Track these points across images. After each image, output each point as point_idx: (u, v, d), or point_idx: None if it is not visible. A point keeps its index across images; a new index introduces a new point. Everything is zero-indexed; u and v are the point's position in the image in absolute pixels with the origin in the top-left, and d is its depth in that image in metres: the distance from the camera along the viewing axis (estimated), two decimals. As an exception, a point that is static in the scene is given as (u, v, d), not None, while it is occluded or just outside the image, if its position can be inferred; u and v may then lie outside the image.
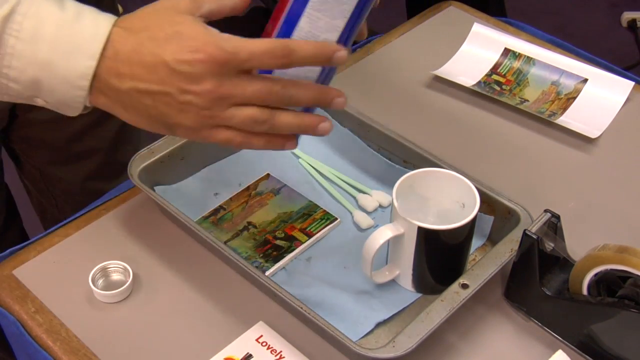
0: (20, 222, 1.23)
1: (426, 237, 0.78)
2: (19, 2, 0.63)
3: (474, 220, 0.79)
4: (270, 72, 0.67)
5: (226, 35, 0.64)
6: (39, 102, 0.67)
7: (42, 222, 1.29)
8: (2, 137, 1.10)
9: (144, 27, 0.66)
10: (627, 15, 2.75)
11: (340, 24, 0.67)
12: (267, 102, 0.65)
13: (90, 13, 0.66)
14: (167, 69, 0.63)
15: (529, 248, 0.77)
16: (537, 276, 0.77)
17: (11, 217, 1.19)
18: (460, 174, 0.83)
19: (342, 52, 0.66)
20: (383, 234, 0.78)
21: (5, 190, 1.16)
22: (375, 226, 0.90)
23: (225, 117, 0.65)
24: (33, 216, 1.31)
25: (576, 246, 0.83)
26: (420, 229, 0.77)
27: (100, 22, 0.65)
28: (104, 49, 0.64)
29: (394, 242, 0.81)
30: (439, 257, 0.81)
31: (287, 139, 0.69)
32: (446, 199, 0.84)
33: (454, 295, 0.76)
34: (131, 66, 0.64)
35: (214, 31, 0.65)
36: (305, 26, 0.67)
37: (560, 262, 0.80)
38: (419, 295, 0.83)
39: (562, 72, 1.11)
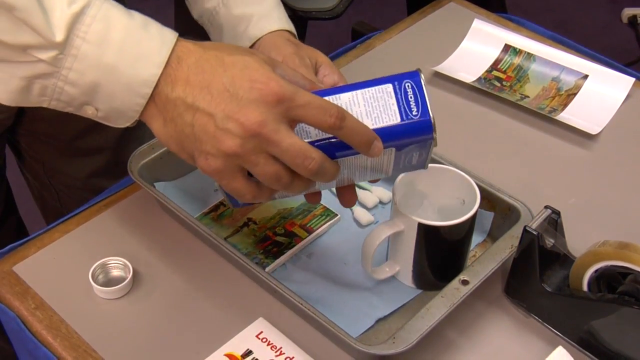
0: (17, 215, 1.24)
1: (426, 234, 0.78)
2: (89, 4, 0.63)
3: (474, 217, 0.79)
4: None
5: (292, 77, 0.65)
6: (89, 110, 0.66)
7: (43, 214, 1.30)
8: (7, 131, 1.10)
9: (214, 47, 0.66)
10: (628, 12, 2.75)
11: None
12: (296, 164, 0.63)
13: (156, 24, 0.66)
14: (221, 89, 0.62)
15: (529, 244, 0.77)
16: (538, 272, 0.77)
17: (9, 210, 1.19)
18: (461, 170, 0.83)
19: (379, 145, 0.65)
20: (383, 231, 0.78)
21: (7, 185, 1.16)
22: (375, 222, 0.90)
23: (252, 161, 0.63)
24: (33, 209, 1.31)
25: (576, 242, 0.83)
26: (420, 225, 0.77)
27: (165, 33, 0.65)
28: (170, 55, 0.64)
29: (394, 239, 0.81)
30: (439, 253, 0.81)
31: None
32: (446, 196, 0.84)
33: (454, 292, 0.76)
34: (188, 76, 0.64)
35: (284, 72, 0.65)
36: None
37: (561, 259, 0.80)
38: (419, 291, 0.83)
39: (563, 69, 1.11)
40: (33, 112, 1.07)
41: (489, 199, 0.87)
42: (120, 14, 0.65)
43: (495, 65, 1.13)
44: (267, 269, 0.83)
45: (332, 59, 1.14)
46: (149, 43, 0.64)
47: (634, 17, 2.73)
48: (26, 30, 0.61)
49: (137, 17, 0.66)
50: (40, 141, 1.14)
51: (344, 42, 1.29)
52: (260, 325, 0.79)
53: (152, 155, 0.90)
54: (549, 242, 0.79)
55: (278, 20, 0.88)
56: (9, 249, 0.87)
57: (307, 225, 0.88)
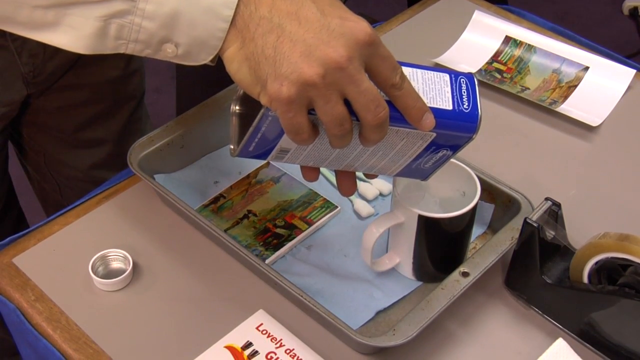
0: (18, 207, 1.24)
1: (426, 226, 0.78)
2: None
3: (474, 209, 0.78)
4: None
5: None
6: (169, 49, 0.64)
7: (44, 207, 1.30)
8: (10, 123, 1.10)
9: None
10: (629, 3, 2.75)
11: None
12: (367, 109, 0.62)
13: None
14: (311, 18, 0.60)
15: (530, 236, 0.77)
16: (538, 264, 0.77)
17: (10, 203, 1.19)
18: (461, 162, 0.83)
19: (431, 118, 0.64)
20: (383, 222, 0.78)
21: (8, 178, 1.16)
22: (376, 214, 0.90)
23: (326, 96, 0.61)
24: (33, 201, 1.31)
25: (577, 234, 0.83)
26: (420, 217, 0.77)
27: None
28: None
29: (394, 231, 0.81)
30: (440, 245, 0.81)
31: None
32: (447, 188, 0.84)
33: (455, 284, 0.76)
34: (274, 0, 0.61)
35: None
36: None
37: (561, 250, 0.80)
38: (420, 283, 0.83)
39: (563, 60, 1.10)
40: (37, 104, 1.07)
41: (489, 191, 0.87)
42: None
43: (495, 57, 1.13)
44: (267, 261, 0.83)
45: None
46: None
47: (635, 8, 2.73)
48: None
49: None
50: (43, 132, 1.14)
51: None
52: (260, 317, 0.79)
53: (152, 148, 0.90)
54: (550, 234, 0.79)
55: None
56: (8, 241, 0.86)
57: (307, 218, 0.88)
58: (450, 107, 0.66)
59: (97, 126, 1.12)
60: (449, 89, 0.67)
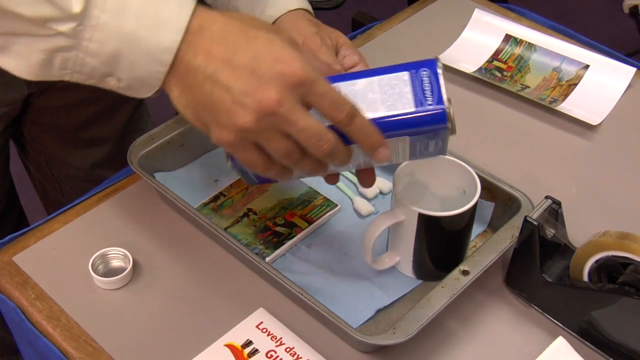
0: (19, 207, 1.24)
1: (427, 224, 0.78)
2: None
3: (474, 207, 0.78)
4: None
5: (314, 62, 0.64)
6: (112, 82, 0.65)
7: (45, 205, 1.30)
8: (12, 122, 1.10)
9: (238, 18, 0.64)
10: (629, 2, 2.74)
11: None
12: (310, 144, 0.64)
13: None
14: (242, 64, 0.62)
15: (530, 234, 0.77)
16: (538, 263, 0.77)
17: (11, 203, 1.19)
18: (461, 160, 0.83)
19: (385, 152, 0.66)
20: (383, 221, 0.78)
21: (10, 177, 1.16)
22: (376, 213, 0.90)
23: (265, 137, 0.63)
24: (34, 200, 1.31)
25: (577, 233, 0.83)
26: (420, 215, 0.77)
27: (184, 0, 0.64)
28: (189, 23, 0.63)
29: (394, 229, 0.81)
30: (440, 243, 0.81)
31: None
32: (447, 186, 0.84)
33: (455, 282, 0.76)
34: (210, 46, 0.63)
35: (307, 55, 0.64)
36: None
37: (561, 249, 0.80)
38: (420, 281, 0.83)
39: (564, 59, 1.10)
40: (38, 103, 1.07)
41: (489, 189, 0.87)
42: None
43: (496, 56, 1.13)
44: (267, 260, 0.83)
45: (333, 49, 1.14)
46: (168, 9, 0.63)
47: (635, 7, 2.72)
48: (44, 3, 0.60)
49: None
50: (44, 132, 1.14)
51: (344, 32, 1.28)
52: (260, 315, 0.79)
53: (152, 146, 0.90)
54: (550, 232, 0.79)
55: (296, 0, 0.87)
56: (8, 239, 0.86)
57: (308, 216, 0.88)
58: (413, 108, 0.66)
59: (98, 125, 1.12)
60: (409, 88, 0.66)
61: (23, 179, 1.28)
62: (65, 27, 0.61)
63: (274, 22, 0.86)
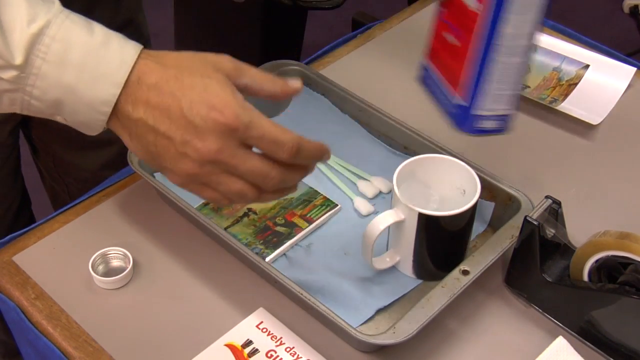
0: (30, 209, 1.24)
1: (427, 224, 0.78)
2: (49, 24, 0.63)
3: (474, 207, 0.78)
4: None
5: (248, 106, 0.64)
6: (59, 119, 0.67)
7: (54, 206, 1.30)
8: (21, 124, 1.10)
9: (175, 66, 0.65)
10: (629, 2, 2.74)
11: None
12: (258, 183, 0.66)
13: (118, 40, 0.65)
14: (179, 114, 0.63)
15: (530, 234, 0.77)
16: (538, 262, 0.77)
17: (23, 204, 1.19)
18: (461, 160, 0.83)
19: (327, 156, 0.68)
20: (384, 220, 0.78)
21: (21, 180, 1.16)
22: (376, 212, 0.90)
23: (214, 182, 0.66)
24: (45, 200, 1.31)
25: (577, 232, 0.83)
26: (420, 215, 0.77)
27: (127, 51, 0.65)
28: (129, 75, 0.64)
29: (394, 229, 0.81)
30: (440, 243, 0.81)
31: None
32: (447, 186, 0.84)
33: (455, 282, 0.76)
34: (148, 98, 0.64)
35: (240, 98, 0.65)
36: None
37: (561, 249, 0.80)
38: (420, 281, 0.83)
39: (564, 58, 1.10)
40: None
41: (489, 189, 0.87)
42: (80, 32, 0.64)
43: (496, 55, 1.12)
44: (267, 259, 0.83)
45: (333, 49, 1.14)
46: (109, 62, 0.64)
47: (635, 7, 2.72)
48: None
49: (98, 34, 0.65)
50: (51, 133, 1.14)
51: (344, 32, 1.28)
52: (260, 315, 0.79)
53: (152, 146, 0.90)
54: (550, 232, 0.79)
55: None
56: (9, 239, 0.86)
57: (308, 216, 0.88)
58: None
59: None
60: None
61: (35, 180, 1.28)
62: (7, 74, 0.63)
63: None
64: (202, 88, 0.64)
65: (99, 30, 0.65)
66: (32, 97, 0.64)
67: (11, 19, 0.62)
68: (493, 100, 0.79)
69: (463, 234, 0.81)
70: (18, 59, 0.62)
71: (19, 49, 0.62)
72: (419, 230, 0.79)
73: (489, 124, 0.82)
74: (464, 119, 0.73)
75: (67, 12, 0.64)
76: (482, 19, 0.75)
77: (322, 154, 0.68)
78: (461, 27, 0.78)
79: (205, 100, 0.63)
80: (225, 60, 0.66)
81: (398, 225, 0.79)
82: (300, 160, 0.66)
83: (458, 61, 0.79)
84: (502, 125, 0.81)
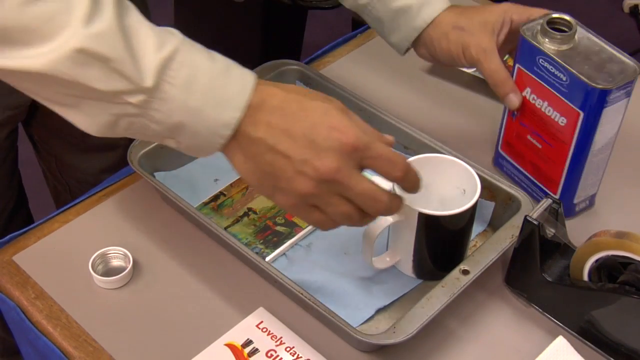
0: (27, 208, 1.24)
1: (427, 223, 0.78)
2: (177, 50, 0.64)
3: (474, 207, 0.78)
4: None
5: (366, 127, 0.67)
6: (171, 142, 0.68)
7: (56, 205, 1.30)
8: (23, 124, 1.10)
9: (295, 91, 0.68)
10: (629, 2, 2.74)
11: None
12: (366, 206, 0.68)
13: (237, 67, 0.68)
14: (301, 134, 0.65)
15: (530, 234, 0.77)
16: (538, 262, 0.77)
17: (20, 204, 1.19)
18: (461, 159, 0.83)
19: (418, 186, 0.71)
20: (383, 220, 0.78)
21: (18, 180, 1.16)
22: (376, 212, 0.90)
23: (324, 203, 0.67)
24: (46, 199, 1.31)
25: (577, 232, 0.83)
26: (420, 214, 0.77)
27: (246, 77, 0.67)
28: (252, 97, 0.66)
29: (394, 228, 0.81)
30: (440, 243, 0.81)
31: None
32: (447, 185, 0.83)
33: (455, 281, 0.76)
34: (270, 119, 0.66)
35: (358, 121, 0.68)
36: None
37: (561, 248, 0.80)
38: (420, 281, 0.83)
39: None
40: (45, 107, 1.07)
41: (489, 189, 0.87)
42: (204, 58, 0.66)
43: (496, 55, 1.12)
44: (267, 259, 0.83)
45: (333, 48, 1.14)
46: (231, 87, 0.66)
47: (635, 6, 2.72)
48: (118, 79, 0.63)
49: (220, 61, 0.67)
50: (53, 136, 1.14)
51: (344, 31, 1.28)
52: (260, 315, 0.79)
53: (152, 145, 0.90)
54: (550, 231, 0.79)
55: (440, 2, 0.90)
56: (9, 239, 0.87)
57: (308, 215, 0.88)
58: None
59: None
60: None
61: (38, 179, 1.28)
62: (135, 99, 0.64)
63: (422, 32, 0.90)
64: (322, 111, 0.66)
65: (219, 58, 0.68)
66: (153, 121, 0.66)
67: (141, 46, 0.63)
68: (585, 189, 0.87)
69: (463, 233, 0.81)
70: (148, 82, 0.63)
71: (150, 73, 0.63)
72: (419, 230, 0.79)
73: (582, 206, 0.89)
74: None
75: (189, 40, 0.67)
76: (571, 133, 0.81)
77: (419, 181, 0.70)
78: (545, 134, 0.84)
79: (326, 122, 0.66)
80: (336, 100, 0.69)
81: (398, 224, 0.79)
82: (406, 183, 0.69)
83: (545, 161, 0.86)
84: (592, 201, 0.90)
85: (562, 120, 0.82)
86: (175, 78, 0.64)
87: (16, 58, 0.61)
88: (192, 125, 0.66)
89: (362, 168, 0.67)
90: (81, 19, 0.60)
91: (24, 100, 1.01)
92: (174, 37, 0.65)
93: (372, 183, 0.67)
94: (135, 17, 0.64)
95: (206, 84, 0.65)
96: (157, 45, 0.64)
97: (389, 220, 0.78)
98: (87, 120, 0.66)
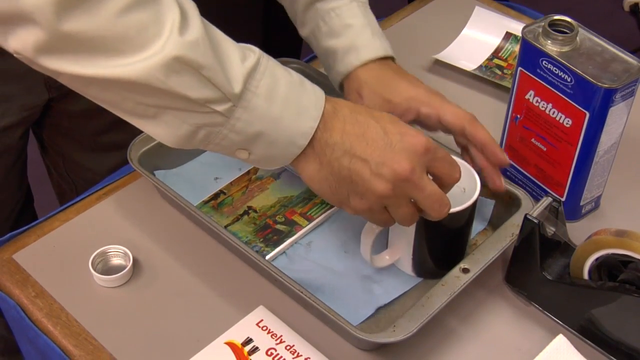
0: (32, 209, 1.24)
1: (426, 222, 0.78)
2: (259, 61, 0.67)
3: (474, 205, 0.78)
4: None
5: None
6: (242, 155, 0.70)
7: (60, 203, 1.30)
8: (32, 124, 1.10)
9: (361, 104, 0.76)
10: (630, 0, 2.74)
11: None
12: (432, 208, 0.71)
13: (308, 80, 0.71)
14: (375, 137, 0.69)
15: (530, 232, 0.77)
16: (538, 261, 0.77)
17: (26, 206, 1.19)
18: (461, 158, 0.83)
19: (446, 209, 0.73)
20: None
21: (26, 180, 1.16)
22: (376, 211, 0.90)
23: (397, 203, 0.70)
24: (49, 197, 1.31)
25: (577, 231, 0.83)
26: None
27: (317, 89, 0.71)
28: (324, 107, 0.70)
29: (394, 227, 0.81)
30: (439, 241, 0.81)
31: None
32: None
33: (455, 280, 0.76)
34: (344, 126, 0.69)
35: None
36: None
37: (561, 247, 0.80)
38: (420, 279, 0.83)
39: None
40: (59, 107, 1.07)
41: (490, 187, 0.86)
42: (282, 70, 0.69)
43: (496, 54, 1.12)
44: (267, 257, 0.83)
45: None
46: (308, 98, 0.69)
47: (636, 5, 2.72)
48: (209, 87, 0.65)
49: (294, 74, 0.71)
50: (63, 136, 1.14)
51: (344, 30, 1.28)
52: (260, 313, 0.79)
53: (152, 143, 0.90)
54: (550, 230, 0.79)
55: (365, 51, 0.88)
56: (9, 237, 0.86)
57: (308, 214, 0.88)
58: None
59: (117, 131, 1.12)
60: None
61: (42, 177, 1.28)
62: (222, 107, 0.66)
63: (344, 78, 0.89)
64: (390, 119, 0.71)
65: (293, 71, 0.71)
66: (233, 130, 0.67)
67: (229, 56, 0.66)
68: (591, 190, 0.87)
69: (463, 232, 0.81)
70: (237, 89, 0.65)
71: (238, 81, 0.66)
72: (418, 229, 0.78)
73: (587, 208, 0.89)
74: (565, 210, 0.82)
75: (266, 54, 0.69)
76: (576, 134, 0.82)
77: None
78: (550, 136, 0.85)
79: (397, 127, 0.70)
80: None
81: (397, 223, 0.79)
82: (449, 183, 0.73)
83: (550, 164, 0.86)
84: (597, 202, 0.90)
85: (567, 122, 0.81)
86: (258, 87, 0.67)
87: (110, 67, 0.62)
88: (270, 134, 0.68)
89: (427, 171, 0.70)
90: (176, 28, 0.62)
91: (40, 101, 1.02)
92: (254, 50, 0.68)
93: (439, 189, 0.70)
94: (216, 30, 0.67)
95: (286, 94, 0.68)
96: (241, 56, 0.67)
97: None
98: (167, 131, 0.68)
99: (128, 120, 0.69)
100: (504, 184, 0.83)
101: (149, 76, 0.62)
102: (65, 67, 0.63)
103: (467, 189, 0.81)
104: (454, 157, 0.82)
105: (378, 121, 0.70)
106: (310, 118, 0.69)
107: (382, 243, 0.84)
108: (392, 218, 0.73)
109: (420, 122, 0.85)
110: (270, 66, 0.68)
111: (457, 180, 0.73)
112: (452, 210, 0.77)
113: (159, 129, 0.68)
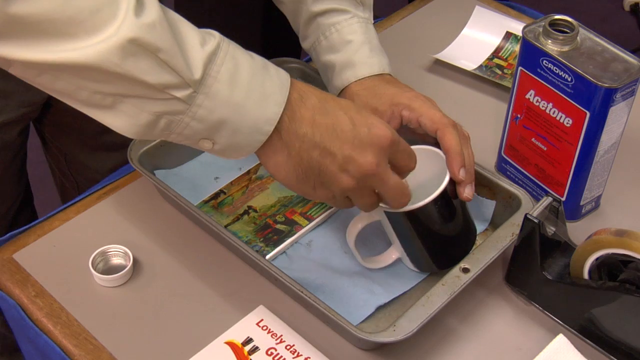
0: (32, 206, 1.24)
1: (393, 220, 0.77)
2: (220, 45, 0.65)
3: (443, 198, 0.76)
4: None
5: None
6: (206, 144, 0.69)
7: (63, 201, 1.30)
8: (33, 121, 1.10)
9: (318, 88, 0.72)
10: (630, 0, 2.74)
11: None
12: (393, 199, 0.72)
13: (272, 64, 0.70)
14: (345, 130, 0.68)
15: (530, 232, 0.77)
16: (538, 260, 0.77)
17: (26, 204, 1.19)
18: (437, 148, 0.80)
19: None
20: (357, 223, 0.78)
21: (25, 177, 1.16)
22: (376, 210, 0.89)
23: (360, 194, 0.71)
24: (50, 196, 1.31)
25: (577, 230, 0.83)
26: (386, 213, 0.76)
27: (282, 74, 0.69)
28: (290, 93, 0.68)
29: (383, 228, 0.80)
30: (419, 237, 0.79)
31: None
32: (435, 178, 0.81)
33: (455, 280, 0.76)
34: (313, 116, 0.68)
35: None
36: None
37: (562, 246, 0.80)
38: (420, 279, 0.83)
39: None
40: (59, 105, 1.06)
41: (490, 187, 0.86)
42: (243, 54, 0.67)
43: (496, 53, 1.12)
44: (267, 257, 0.83)
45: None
46: (272, 83, 0.68)
47: (636, 4, 2.72)
48: (168, 71, 0.63)
49: (257, 58, 0.69)
50: (64, 133, 1.14)
51: (344, 29, 1.27)
52: (260, 313, 0.79)
53: (153, 143, 0.90)
54: (550, 230, 0.79)
55: (362, 67, 0.88)
56: (9, 237, 0.86)
57: (308, 214, 0.88)
58: None
59: None
60: None
61: (42, 178, 1.28)
62: (182, 93, 0.64)
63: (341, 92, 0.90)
64: (355, 109, 0.70)
65: (256, 55, 0.69)
66: (195, 118, 0.66)
67: (188, 39, 0.64)
68: (591, 190, 0.87)
69: (443, 224, 0.79)
70: (197, 75, 0.64)
71: (197, 66, 0.64)
72: (394, 227, 0.78)
73: (588, 208, 0.90)
74: (565, 210, 0.82)
75: (227, 38, 0.67)
76: (577, 133, 0.82)
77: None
78: (550, 136, 0.85)
79: (364, 119, 0.69)
80: None
81: (380, 224, 0.79)
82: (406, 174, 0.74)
83: (551, 164, 0.86)
84: (597, 202, 0.90)
85: (567, 121, 0.81)
86: (219, 73, 0.65)
87: (61, 51, 0.60)
88: (233, 122, 0.66)
89: (390, 161, 0.71)
90: (131, 10, 0.60)
91: (40, 98, 1.01)
92: (214, 34, 0.66)
93: (401, 180, 0.71)
94: (175, 14, 0.65)
95: (248, 80, 0.66)
96: (201, 40, 0.64)
97: (363, 221, 0.78)
98: (126, 121, 0.66)
99: (85, 112, 0.66)
100: (470, 194, 0.79)
101: (103, 59, 0.60)
102: (14, 52, 0.60)
103: (441, 177, 0.79)
104: (428, 147, 0.81)
105: (346, 112, 0.69)
106: (274, 103, 0.67)
107: (382, 243, 0.84)
108: (346, 203, 0.73)
109: (407, 127, 0.84)
110: (232, 50, 0.66)
111: (413, 169, 0.73)
112: (415, 206, 0.75)
113: (118, 120, 0.66)
